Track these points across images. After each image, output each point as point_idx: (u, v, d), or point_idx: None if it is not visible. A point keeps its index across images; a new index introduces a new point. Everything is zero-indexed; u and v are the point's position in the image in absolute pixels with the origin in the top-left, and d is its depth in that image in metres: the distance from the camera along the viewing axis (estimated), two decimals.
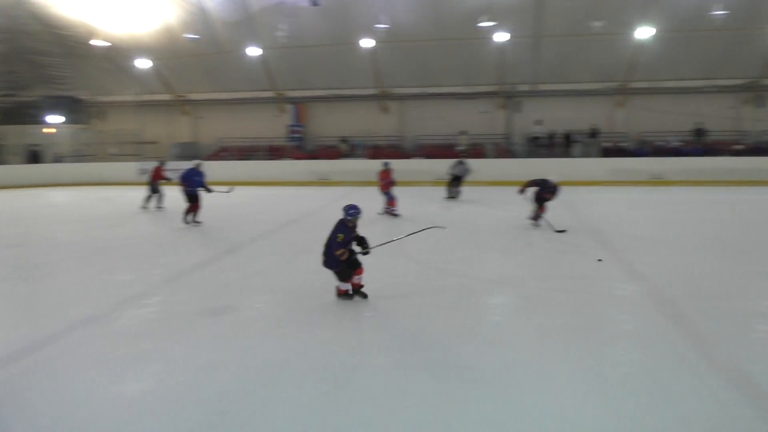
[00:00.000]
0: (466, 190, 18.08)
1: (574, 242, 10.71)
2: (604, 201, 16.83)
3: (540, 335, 5.94)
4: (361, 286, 7.16)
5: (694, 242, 10.56)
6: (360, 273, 7.07)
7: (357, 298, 7.15)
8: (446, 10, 21.95)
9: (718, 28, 20.60)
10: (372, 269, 7.47)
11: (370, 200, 14.52)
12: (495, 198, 17.59)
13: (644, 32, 21.27)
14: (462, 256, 9.71)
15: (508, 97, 25.90)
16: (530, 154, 24.60)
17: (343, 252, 6.75)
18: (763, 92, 23.93)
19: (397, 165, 16.16)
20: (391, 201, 14.44)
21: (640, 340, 5.83)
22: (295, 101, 27.99)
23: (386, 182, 14.44)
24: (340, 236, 6.76)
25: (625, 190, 19.69)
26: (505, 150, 25.09)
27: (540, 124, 25.57)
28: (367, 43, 23.26)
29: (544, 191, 12.02)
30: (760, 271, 8.58)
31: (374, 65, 24.95)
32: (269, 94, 27.67)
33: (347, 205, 6.96)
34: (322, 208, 16.11)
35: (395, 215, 14.15)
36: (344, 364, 5.22)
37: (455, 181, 17.89)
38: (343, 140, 26.84)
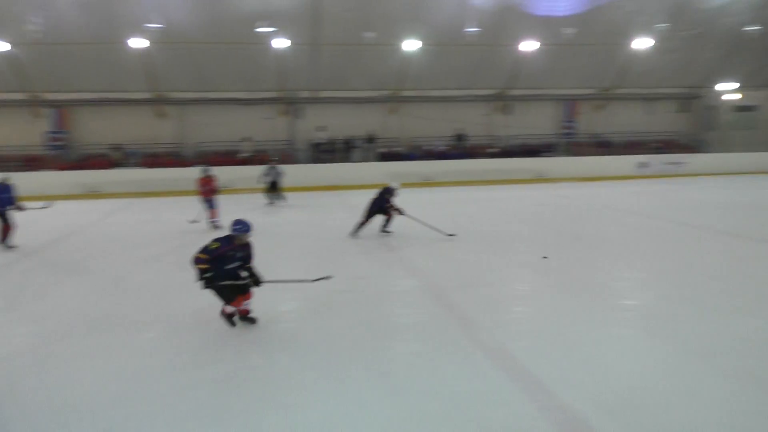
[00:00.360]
0: (247, 197, 17.90)
1: (358, 243, 11.23)
2: None
3: (326, 337, 6.12)
4: (248, 312, 6.50)
5: (463, 237, 11.73)
6: (248, 298, 6.41)
7: (243, 324, 6.49)
8: (224, 12, 21.44)
9: (472, 43, 23.24)
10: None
11: (154, 211, 13.58)
12: (297, 203, 17.68)
13: (411, 45, 23.06)
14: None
15: (290, 104, 26.20)
16: (314, 160, 25.24)
17: (202, 259, 5.98)
18: (509, 101, 27.51)
19: (179, 174, 15.35)
20: (213, 210, 13.50)
21: (419, 331, 6.32)
22: (56, 105, 24.99)
23: (207, 190, 13.47)
24: (215, 244, 6.07)
25: (401, 192, 21.09)
26: (288, 156, 25.34)
27: (323, 130, 26.31)
28: (138, 43, 21.67)
29: (388, 198, 11.95)
30: (517, 260, 9.85)
31: (148, 67, 23.38)
32: (20, 96, 24.28)
33: (235, 220, 6.33)
34: (92, 225, 14.66)
35: (217, 227, 13.18)
36: None
37: (272, 187, 17.80)
38: (116, 148, 24.71)
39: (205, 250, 6.02)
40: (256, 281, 6.32)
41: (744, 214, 14.72)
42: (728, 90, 27.71)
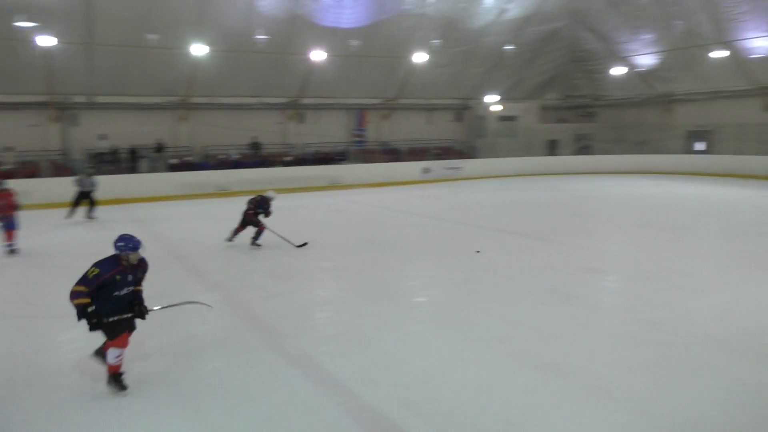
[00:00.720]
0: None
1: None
2: (175, 216, 16.98)
3: (127, 365, 5.66)
4: (119, 373, 5.06)
5: (263, 246, 11.61)
6: (122, 344, 5.00)
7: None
8: None
9: (263, 51, 23.13)
10: None
11: None
12: (80, 219, 15.84)
13: (199, 49, 22.22)
14: (20, 290, 8.46)
15: (62, 109, 23.54)
16: (95, 172, 22.96)
17: (81, 292, 4.83)
18: (302, 110, 27.92)
19: None
20: (9, 232, 11.18)
21: (222, 347, 6.14)
22: None
23: (4, 206, 11.17)
24: (94, 270, 4.89)
25: (194, 203, 20.24)
26: (63, 167, 22.75)
27: (104, 139, 24.09)
28: None
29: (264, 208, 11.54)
30: (317, 266, 10.03)
31: None
32: None
33: (119, 236, 5.19)
34: None
35: (14, 251, 11.14)
36: None
37: (83, 197, 15.92)
38: None
39: (83, 280, 4.88)
40: (141, 312, 5.19)
41: (512, 212, 16.73)
42: (493, 102, 31.26)
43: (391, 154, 28.66)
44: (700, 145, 28.55)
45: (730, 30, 23.89)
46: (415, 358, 5.73)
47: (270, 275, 9.33)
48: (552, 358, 5.65)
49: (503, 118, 31.63)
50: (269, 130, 26.88)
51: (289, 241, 11.49)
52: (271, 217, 11.66)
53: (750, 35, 23.52)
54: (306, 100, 27.38)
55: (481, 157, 29.69)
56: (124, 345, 5.00)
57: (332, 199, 20.09)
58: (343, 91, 27.82)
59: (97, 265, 4.97)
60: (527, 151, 30.00)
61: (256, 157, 25.68)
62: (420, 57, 26.18)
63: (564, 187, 22.49)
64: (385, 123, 30.09)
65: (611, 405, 4.67)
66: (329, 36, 24.11)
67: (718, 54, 24.60)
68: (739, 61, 24.40)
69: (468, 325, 6.69)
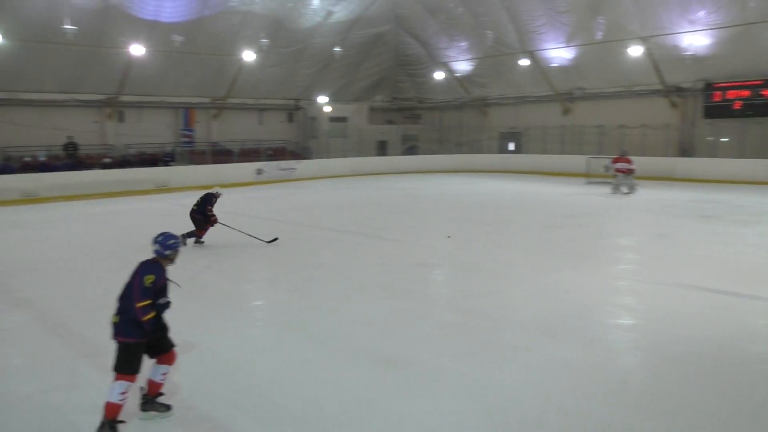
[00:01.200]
0: None
1: None
2: None
3: None
4: (159, 394, 4.48)
5: (81, 257, 10.64)
6: (171, 362, 4.46)
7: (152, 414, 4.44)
8: None
9: (73, 43, 21.03)
10: None
11: None
12: None
13: None
14: None
15: None
16: None
17: (148, 305, 4.15)
18: (122, 108, 25.95)
19: None
20: None
21: (33, 370, 5.52)
22: None
23: None
24: (150, 278, 4.17)
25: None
26: None
27: None
28: None
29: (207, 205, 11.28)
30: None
31: None
32: None
33: (163, 234, 4.47)
34: None
35: None
36: None
37: None
38: None
39: (145, 292, 4.17)
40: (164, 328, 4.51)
41: (347, 212, 17.09)
42: (324, 103, 31.63)
43: (223, 155, 27.74)
44: (511, 146, 31.44)
45: (532, 41, 26.63)
46: (254, 363, 5.65)
47: (89, 289, 8.57)
48: (388, 352, 5.89)
49: (334, 119, 32.15)
50: (85, 130, 24.58)
51: (257, 238, 11.33)
52: (83, 225, 10.73)
53: (548, 46, 26.42)
54: (126, 98, 25.52)
55: (314, 158, 29.88)
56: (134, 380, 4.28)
57: (160, 203, 18.94)
58: (167, 89, 26.41)
59: (148, 269, 4.29)
60: (359, 152, 30.79)
61: (70, 159, 23.30)
62: (249, 56, 25.72)
63: (395, 186, 23.46)
64: (214, 123, 29.06)
65: (443, 392, 4.99)
66: (149, 30, 22.76)
67: (524, 62, 27.30)
68: (541, 69, 27.26)
69: (307, 326, 6.73)
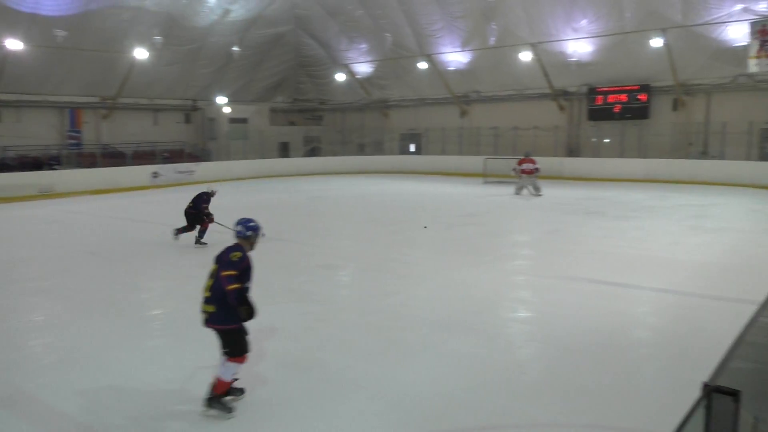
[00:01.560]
0: None
1: None
2: None
3: None
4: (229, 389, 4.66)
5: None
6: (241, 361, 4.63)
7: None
8: None
9: None
10: None
11: None
12: None
13: None
14: None
15: None
16: None
17: (234, 276, 4.38)
18: None
19: None
20: None
21: None
22: None
23: None
24: (236, 254, 4.49)
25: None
26: None
27: None
28: None
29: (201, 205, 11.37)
30: (29, 288, 8.75)
31: None
32: None
33: (245, 218, 4.79)
34: None
35: None
36: None
37: None
38: None
39: (231, 264, 4.43)
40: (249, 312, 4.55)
41: (249, 215, 16.67)
42: (223, 103, 30.76)
43: (115, 157, 26.22)
44: (412, 147, 32.08)
45: (430, 44, 27.35)
46: (153, 376, 5.42)
47: None
48: (294, 355, 5.85)
49: (234, 120, 31.38)
50: None
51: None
52: None
53: (445, 50, 27.23)
54: (1, 96, 23.56)
55: (213, 160, 29.00)
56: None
57: (45, 210, 17.63)
58: (50, 87, 24.70)
59: (234, 249, 4.58)
60: (260, 154, 30.22)
61: None
62: (141, 53, 24.56)
63: (297, 188, 23.25)
64: (105, 124, 27.47)
65: (348, 393, 5.03)
66: (27, 23, 21.17)
67: (422, 65, 27.97)
68: (439, 72, 28.04)
69: (207, 335, 6.52)
